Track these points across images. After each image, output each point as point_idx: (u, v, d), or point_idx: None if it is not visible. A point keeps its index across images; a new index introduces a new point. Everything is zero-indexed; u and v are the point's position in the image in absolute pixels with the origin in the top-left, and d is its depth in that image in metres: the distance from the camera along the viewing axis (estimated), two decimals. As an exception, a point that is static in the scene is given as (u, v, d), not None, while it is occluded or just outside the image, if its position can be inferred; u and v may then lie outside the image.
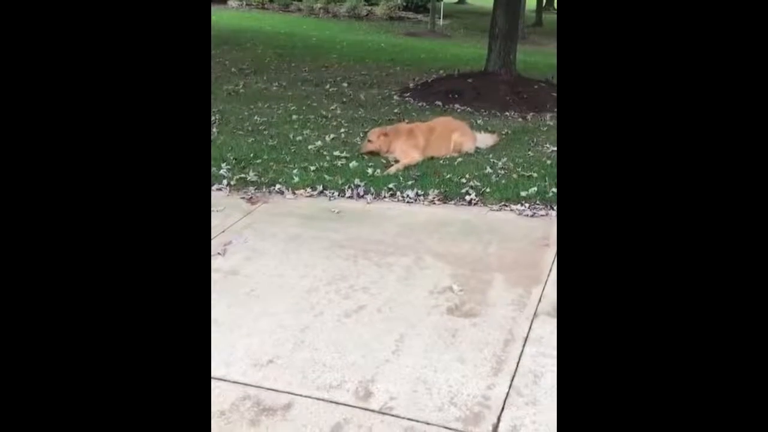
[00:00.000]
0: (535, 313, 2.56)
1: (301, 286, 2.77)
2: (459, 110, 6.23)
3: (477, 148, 4.83)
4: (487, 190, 3.91)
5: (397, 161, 4.42)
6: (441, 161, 4.49)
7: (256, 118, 5.67)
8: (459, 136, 4.73)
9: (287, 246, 3.20)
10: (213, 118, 5.62)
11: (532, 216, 3.63)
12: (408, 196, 3.86)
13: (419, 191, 3.90)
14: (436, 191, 3.89)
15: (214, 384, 2.10)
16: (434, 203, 3.81)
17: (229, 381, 2.12)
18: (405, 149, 4.48)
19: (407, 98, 6.79)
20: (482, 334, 2.41)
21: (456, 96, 6.58)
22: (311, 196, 3.93)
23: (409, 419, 1.95)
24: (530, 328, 2.47)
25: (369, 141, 4.59)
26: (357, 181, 4.02)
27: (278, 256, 3.08)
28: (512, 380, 2.13)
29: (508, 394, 2.07)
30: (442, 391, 2.08)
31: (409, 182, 4.03)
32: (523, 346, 2.35)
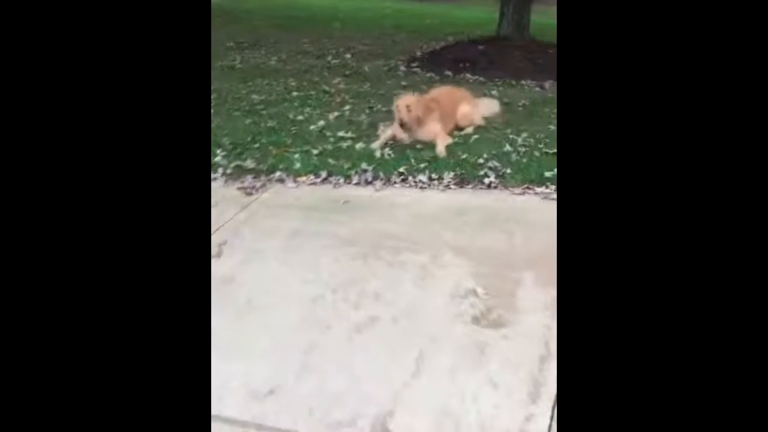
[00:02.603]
0: (572, 320, 2.23)
1: (305, 295, 2.45)
2: (471, 80, 5.80)
3: (484, 118, 4.44)
4: (508, 171, 3.55)
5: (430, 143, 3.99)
6: (455, 139, 4.11)
7: (253, 96, 5.29)
8: (466, 106, 4.31)
9: (289, 244, 2.88)
10: (208, 98, 5.25)
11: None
12: (421, 180, 3.51)
13: (433, 175, 3.54)
14: (452, 174, 3.54)
15: (205, 424, 1.80)
16: (449, 188, 3.46)
17: (222, 419, 1.82)
18: (438, 128, 4.04)
19: (415, 69, 6.36)
20: (515, 349, 2.09)
21: (467, 65, 6.15)
22: (314, 183, 3.59)
23: (435, 465, 1.65)
24: (568, 338, 2.14)
25: (407, 113, 3.94)
26: (364, 165, 3.67)
27: (279, 258, 2.76)
28: (554, 409, 1.82)
29: (550, 427, 1.76)
30: (471, 425, 1.77)
31: (422, 165, 3.67)
32: (563, 362, 2.02)
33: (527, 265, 2.63)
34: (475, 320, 2.26)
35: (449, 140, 4.00)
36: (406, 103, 3.97)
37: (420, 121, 3.98)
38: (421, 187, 3.48)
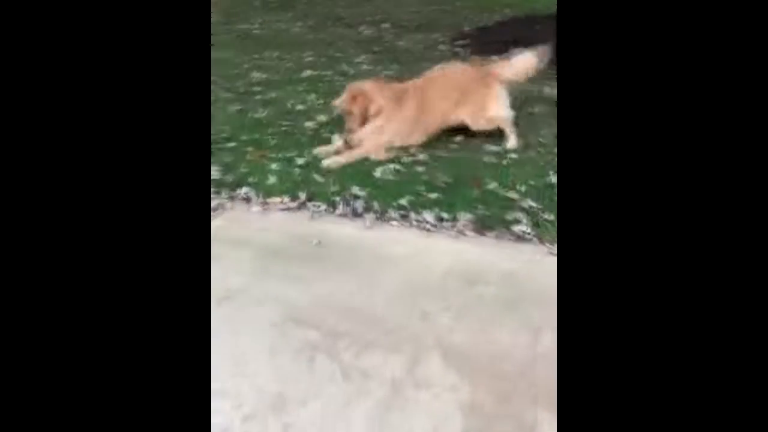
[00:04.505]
0: None
1: (203, 421, 1.63)
2: (523, 69, 4.72)
3: (515, 81, 3.29)
4: (548, 217, 2.57)
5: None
6: (484, 159, 3.13)
7: (255, 74, 4.43)
8: (479, 99, 3.11)
9: (216, 315, 2.05)
10: (202, 72, 4.43)
11: (615, 271, 2.29)
12: (426, 220, 2.59)
13: (444, 214, 2.61)
14: (470, 215, 2.60)
15: None
16: (464, 234, 2.53)
17: None
18: (371, 138, 3.04)
19: (457, 48, 5.32)
20: None
21: (522, 48, 5.04)
22: (288, 209, 2.73)
23: None
24: None
25: (348, 111, 3.02)
26: (356, 188, 2.77)
27: (195, 338, 1.93)
28: None
29: None
30: None
31: (433, 195, 2.74)
32: None
33: (551, 399, 1.71)
34: None
35: (371, 154, 3.00)
36: (353, 94, 2.98)
37: (364, 118, 2.99)
38: (426, 230, 2.56)
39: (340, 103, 3.04)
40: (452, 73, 3.27)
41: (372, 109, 2.98)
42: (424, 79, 3.23)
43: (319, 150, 3.09)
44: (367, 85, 3.02)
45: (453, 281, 2.23)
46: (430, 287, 2.20)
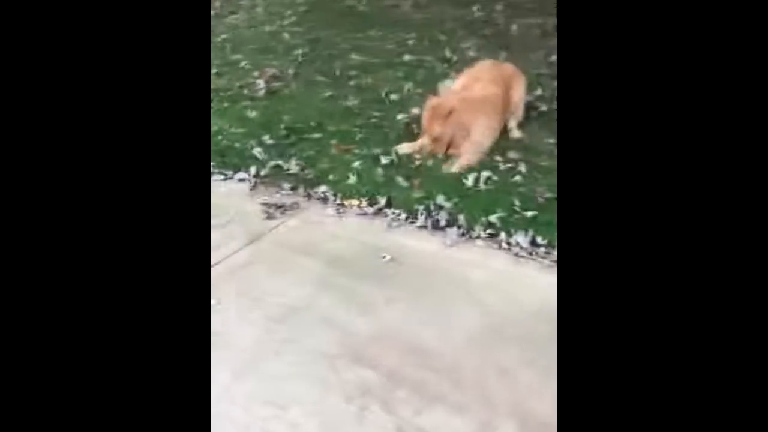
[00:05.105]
0: None
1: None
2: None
3: None
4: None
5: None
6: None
7: (352, 56, 4.19)
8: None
9: (269, 332, 1.87)
10: (299, 51, 4.27)
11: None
12: (518, 243, 2.24)
13: (539, 238, 2.25)
14: (571, 242, 2.21)
15: None
16: (562, 266, 2.16)
17: None
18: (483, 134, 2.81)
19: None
20: None
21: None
22: (364, 214, 2.49)
23: None
24: None
25: (432, 137, 2.78)
26: (442, 199, 2.47)
27: (243, 362, 1.76)
28: None
29: None
30: None
31: (528, 213, 2.38)
32: None
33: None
34: None
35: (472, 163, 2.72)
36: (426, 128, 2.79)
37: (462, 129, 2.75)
38: (516, 255, 2.22)
39: (426, 123, 2.80)
40: (494, 69, 3.10)
41: (464, 131, 2.75)
42: (495, 78, 2.98)
43: (401, 147, 2.82)
44: (457, 102, 2.79)
45: (541, 324, 1.88)
46: (513, 331, 1.87)
